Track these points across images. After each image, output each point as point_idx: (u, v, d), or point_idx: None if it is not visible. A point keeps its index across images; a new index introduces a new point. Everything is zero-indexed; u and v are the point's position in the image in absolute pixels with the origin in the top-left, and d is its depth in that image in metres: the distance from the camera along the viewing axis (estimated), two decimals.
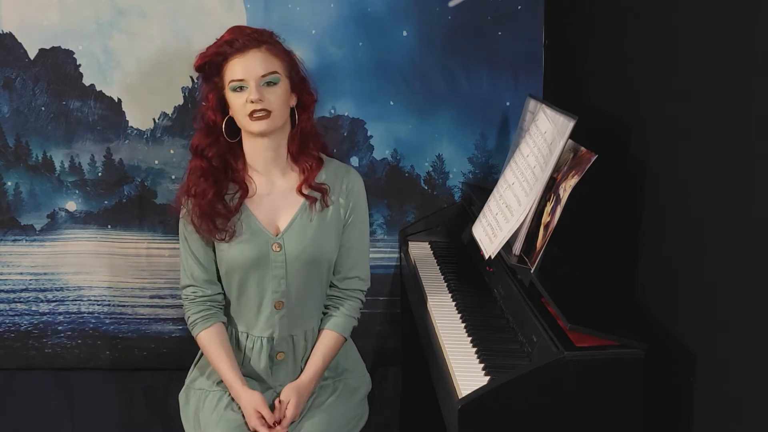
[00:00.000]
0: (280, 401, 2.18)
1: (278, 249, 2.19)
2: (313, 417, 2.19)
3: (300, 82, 2.23)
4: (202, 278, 2.24)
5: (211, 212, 2.17)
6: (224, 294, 2.27)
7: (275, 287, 2.20)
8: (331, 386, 2.29)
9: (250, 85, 2.12)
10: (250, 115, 2.12)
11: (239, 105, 2.14)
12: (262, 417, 2.13)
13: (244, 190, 2.21)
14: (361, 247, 2.31)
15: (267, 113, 2.13)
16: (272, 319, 2.22)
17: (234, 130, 2.21)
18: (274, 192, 2.23)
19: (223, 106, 2.20)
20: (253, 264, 2.19)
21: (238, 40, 2.14)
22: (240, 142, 2.23)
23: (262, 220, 2.21)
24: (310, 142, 2.25)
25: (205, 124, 2.22)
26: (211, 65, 2.17)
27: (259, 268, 2.19)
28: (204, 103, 2.23)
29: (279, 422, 2.14)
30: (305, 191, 2.22)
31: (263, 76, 2.13)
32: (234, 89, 2.14)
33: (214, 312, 2.24)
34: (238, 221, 2.19)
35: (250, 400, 2.15)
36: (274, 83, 2.14)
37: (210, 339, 2.22)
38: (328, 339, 2.27)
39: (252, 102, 2.11)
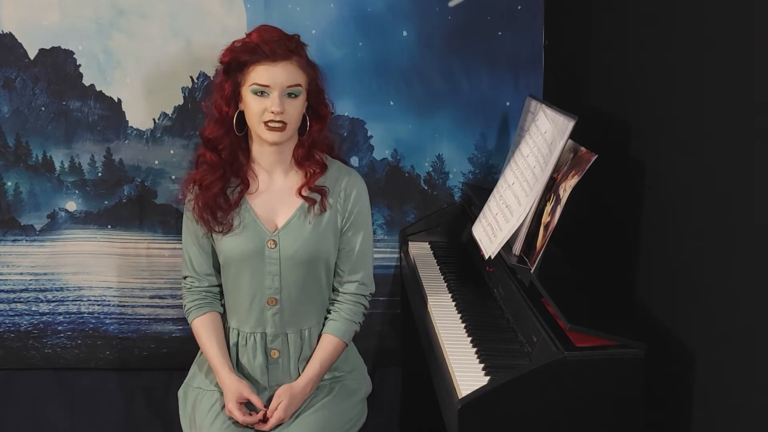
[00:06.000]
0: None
1: (273, 246, 2.20)
2: (306, 416, 2.17)
3: (317, 93, 2.22)
4: (202, 269, 2.27)
5: (213, 205, 2.19)
6: (221, 286, 2.29)
7: (269, 284, 2.21)
8: (328, 386, 2.27)
9: (273, 93, 2.11)
10: (266, 123, 2.12)
11: (257, 110, 2.12)
12: (243, 406, 2.13)
13: (246, 185, 2.22)
14: (363, 251, 2.28)
15: (283, 125, 2.12)
16: (264, 315, 2.23)
17: (241, 121, 2.20)
18: (274, 190, 2.24)
19: (236, 99, 2.18)
20: (248, 258, 2.20)
21: (269, 45, 2.11)
22: (245, 136, 2.23)
23: (260, 215, 2.22)
24: (317, 149, 2.25)
25: (217, 115, 2.20)
26: (237, 63, 2.15)
27: (253, 262, 2.20)
28: (218, 93, 2.20)
29: (266, 420, 2.13)
30: (305, 193, 2.22)
31: (288, 87, 2.12)
32: (255, 92, 2.12)
33: (209, 301, 2.28)
34: (237, 214, 2.21)
35: (235, 386, 2.15)
36: (296, 95, 2.14)
37: (202, 325, 2.25)
38: (326, 343, 2.26)
39: (272, 112, 2.10)
